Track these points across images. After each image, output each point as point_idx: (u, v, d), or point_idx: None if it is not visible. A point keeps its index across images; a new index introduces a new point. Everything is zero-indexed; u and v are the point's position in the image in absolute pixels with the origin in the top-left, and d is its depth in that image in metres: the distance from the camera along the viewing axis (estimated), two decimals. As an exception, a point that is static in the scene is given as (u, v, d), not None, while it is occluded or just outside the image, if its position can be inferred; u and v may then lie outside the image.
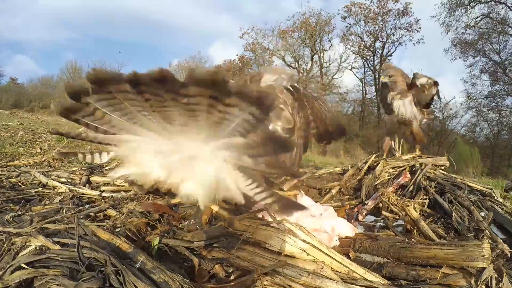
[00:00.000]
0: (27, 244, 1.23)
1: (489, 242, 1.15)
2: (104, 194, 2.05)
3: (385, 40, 22.90)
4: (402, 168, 2.65)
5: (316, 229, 1.46)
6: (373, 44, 23.25)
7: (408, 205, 1.65)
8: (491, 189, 2.22)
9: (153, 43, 59.04)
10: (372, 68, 23.72)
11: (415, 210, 1.65)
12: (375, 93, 23.58)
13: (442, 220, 1.80)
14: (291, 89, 1.51)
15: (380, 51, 23.24)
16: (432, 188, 2.16)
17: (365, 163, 2.91)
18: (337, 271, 1.07)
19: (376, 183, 2.50)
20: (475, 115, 21.29)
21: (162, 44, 60.35)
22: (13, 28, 43.23)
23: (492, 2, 18.67)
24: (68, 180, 2.35)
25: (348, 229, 1.55)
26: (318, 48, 22.97)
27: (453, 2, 19.38)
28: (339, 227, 1.53)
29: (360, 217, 1.88)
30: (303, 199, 1.92)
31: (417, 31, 21.90)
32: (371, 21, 22.45)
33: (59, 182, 2.21)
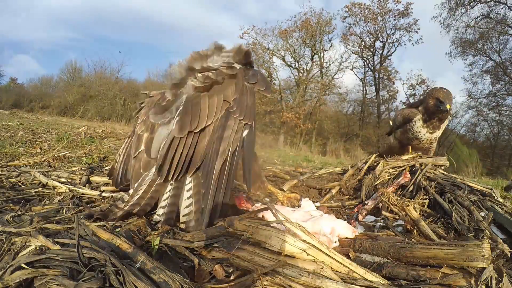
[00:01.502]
0: (27, 244, 1.23)
1: (489, 242, 1.15)
2: (104, 194, 2.05)
3: (385, 40, 22.92)
4: (402, 168, 2.66)
5: (316, 232, 1.46)
6: (373, 44, 23.26)
7: (408, 205, 1.65)
8: (491, 189, 2.22)
9: (153, 42, 59.09)
10: (372, 68, 23.72)
11: (415, 210, 1.65)
12: (375, 93, 23.58)
13: (442, 220, 1.80)
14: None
15: (380, 51, 23.26)
16: (432, 188, 2.17)
17: (365, 163, 2.92)
18: (337, 271, 1.07)
19: (376, 183, 2.50)
20: (475, 115, 21.31)
21: (162, 44, 60.44)
22: (14, 28, 43.25)
23: (492, 2, 18.66)
24: (68, 180, 2.35)
25: (348, 231, 1.55)
26: (318, 48, 22.95)
27: (453, 2, 19.40)
28: (339, 229, 1.53)
29: (360, 217, 1.88)
30: (306, 203, 1.92)
31: (416, 32, 21.92)
32: (371, 21, 22.45)
33: (59, 182, 2.21)
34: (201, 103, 1.59)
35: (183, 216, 1.53)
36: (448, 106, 2.65)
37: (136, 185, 1.73)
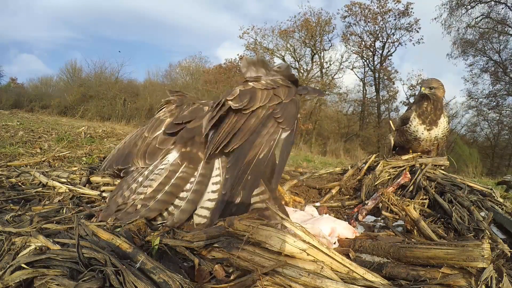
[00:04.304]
0: (27, 244, 1.23)
1: (489, 242, 1.15)
2: (104, 194, 2.04)
3: (385, 40, 22.91)
4: (402, 168, 2.66)
5: (315, 234, 1.46)
6: (373, 44, 23.25)
7: (408, 205, 1.65)
8: (491, 189, 2.22)
9: (153, 42, 59.11)
10: (372, 68, 23.72)
11: (415, 210, 1.65)
12: (375, 93, 23.59)
13: (442, 220, 1.80)
14: None
15: (380, 51, 23.25)
16: (432, 188, 2.17)
17: (365, 163, 2.92)
18: (337, 271, 1.07)
19: (376, 183, 2.50)
20: (476, 114, 21.31)
21: (163, 44, 60.49)
22: (16, 27, 43.31)
23: (492, 2, 18.66)
24: (68, 180, 2.35)
25: (348, 231, 1.55)
26: (319, 48, 22.94)
27: (454, 2, 19.40)
28: (339, 229, 1.53)
29: (360, 217, 1.88)
30: (309, 208, 1.93)
31: (417, 31, 21.91)
32: (371, 21, 22.45)
33: (59, 182, 2.21)
34: (256, 91, 1.73)
35: (207, 200, 1.58)
36: (422, 89, 2.80)
37: (147, 172, 1.77)
